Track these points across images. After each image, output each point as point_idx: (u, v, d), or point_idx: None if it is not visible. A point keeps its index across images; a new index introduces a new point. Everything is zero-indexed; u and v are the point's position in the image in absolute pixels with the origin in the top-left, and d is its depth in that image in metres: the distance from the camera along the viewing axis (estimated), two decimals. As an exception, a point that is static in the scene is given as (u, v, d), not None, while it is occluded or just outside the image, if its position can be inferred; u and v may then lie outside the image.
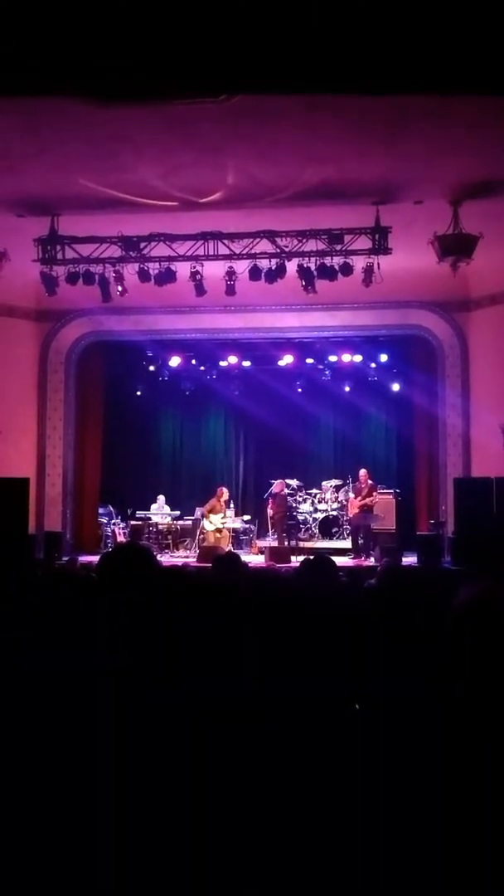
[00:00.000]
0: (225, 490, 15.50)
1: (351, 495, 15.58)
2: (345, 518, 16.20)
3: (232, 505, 16.08)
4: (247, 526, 16.50)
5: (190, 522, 16.35)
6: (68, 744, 2.14)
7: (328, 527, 16.49)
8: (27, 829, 2.03)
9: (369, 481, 14.99)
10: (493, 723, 2.04)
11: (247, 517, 15.95)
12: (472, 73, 5.47)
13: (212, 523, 15.06)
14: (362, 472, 15.22)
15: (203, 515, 15.35)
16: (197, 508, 15.94)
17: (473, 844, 1.94)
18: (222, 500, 15.28)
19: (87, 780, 2.07)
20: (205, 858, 1.98)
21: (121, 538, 15.90)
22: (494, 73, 5.43)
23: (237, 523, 16.26)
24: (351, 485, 16.20)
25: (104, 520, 16.45)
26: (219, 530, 15.10)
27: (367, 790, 2.13)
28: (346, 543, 15.52)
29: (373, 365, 17.09)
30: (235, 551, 13.33)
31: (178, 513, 16.82)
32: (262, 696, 2.31)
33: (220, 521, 15.08)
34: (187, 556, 15.00)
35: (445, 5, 4.82)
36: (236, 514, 15.66)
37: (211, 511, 15.16)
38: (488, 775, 1.98)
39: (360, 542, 14.73)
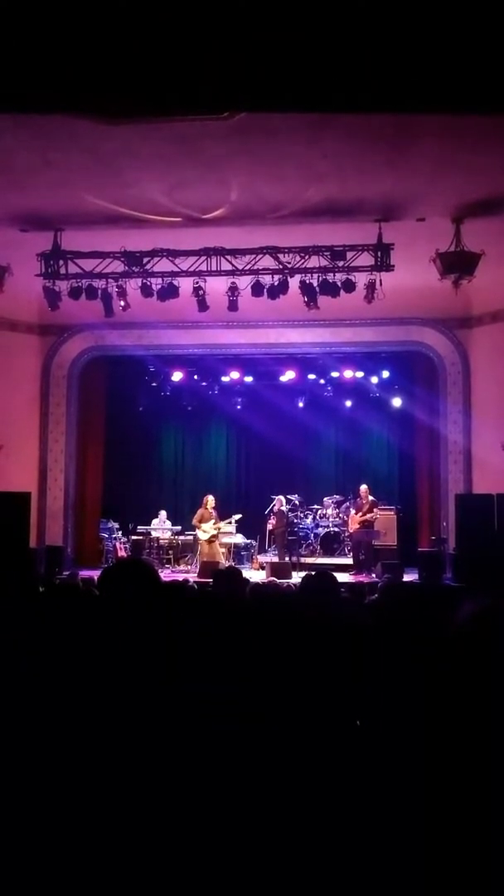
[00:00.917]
0: (210, 498, 15.34)
1: (352, 511, 15.58)
2: (346, 534, 16.20)
3: (233, 519, 16.00)
4: (248, 541, 16.49)
5: (191, 537, 16.34)
6: (68, 750, 2.14)
7: (329, 542, 16.49)
8: (29, 831, 2.04)
9: (370, 497, 15.01)
10: (493, 737, 2.04)
11: (237, 516, 15.79)
12: (477, 91, 5.50)
13: (205, 532, 15.02)
14: (363, 487, 15.24)
15: (195, 527, 15.34)
16: None
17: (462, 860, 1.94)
18: (209, 507, 15.18)
19: (87, 786, 2.07)
20: (201, 856, 1.98)
21: (122, 553, 15.90)
22: (499, 92, 5.47)
23: (238, 538, 16.25)
24: (352, 501, 16.20)
25: (105, 534, 16.45)
26: (212, 539, 15.02)
27: (364, 799, 2.13)
28: (348, 559, 15.51)
29: (374, 381, 17.15)
30: (236, 566, 13.35)
31: (179, 528, 16.82)
32: (261, 704, 2.32)
33: (213, 527, 15.00)
34: (188, 571, 14.98)
35: (449, 24, 4.86)
36: (222, 518, 15.51)
37: (201, 521, 15.11)
38: (487, 785, 1.98)
39: (362, 557, 14.72)
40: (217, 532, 15.08)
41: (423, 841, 1.98)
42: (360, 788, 2.17)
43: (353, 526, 15.08)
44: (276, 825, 2.06)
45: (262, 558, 15.94)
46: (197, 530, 15.22)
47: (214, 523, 15.03)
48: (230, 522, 15.56)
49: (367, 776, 2.21)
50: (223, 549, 15.62)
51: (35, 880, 1.96)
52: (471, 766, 2.04)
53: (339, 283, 11.51)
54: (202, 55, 4.96)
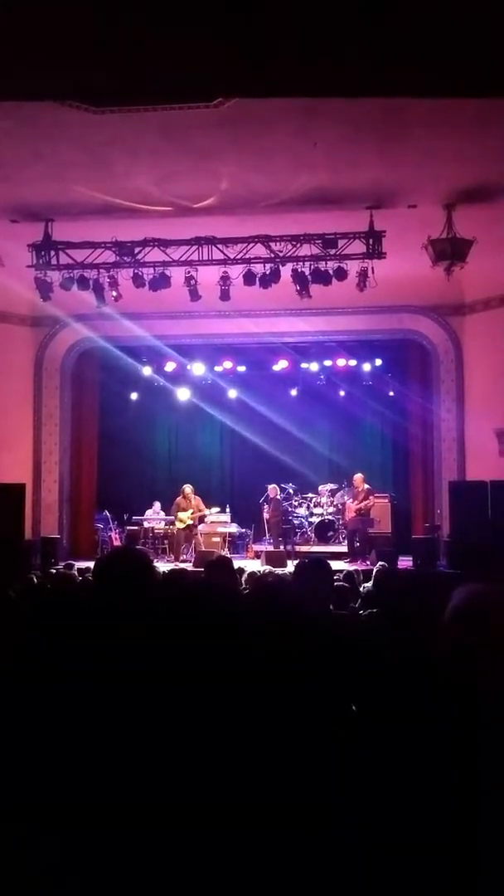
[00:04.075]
0: (186, 487, 15.56)
1: (347, 500, 15.59)
2: (340, 522, 16.22)
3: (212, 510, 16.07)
4: (242, 530, 16.52)
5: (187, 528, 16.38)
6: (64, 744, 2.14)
7: (324, 530, 16.51)
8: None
9: (365, 486, 15.01)
10: (491, 725, 2.05)
11: (216, 509, 15.93)
12: (469, 76, 5.49)
13: (182, 521, 15.15)
14: (357, 476, 15.24)
15: (174, 517, 15.45)
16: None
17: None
18: (186, 495, 15.32)
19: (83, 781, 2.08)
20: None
21: (117, 544, 15.92)
22: (491, 77, 5.46)
23: (233, 527, 16.29)
24: (346, 489, 16.22)
25: (100, 525, 16.46)
26: (188, 527, 15.15)
27: (362, 788, 2.14)
28: (342, 547, 15.54)
29: (368, 369, 17.15)
30: (229, 555, 13.40)
31: (173, 518, 16.84)
32: (259, 695, 2.32)
33: (189, 516, 15.12)
34: (183, 561, 15.00)
35: (441, 7, 4.84)
36: (207, 507, 15.69)
37: (177, 510, 15.26)
38: (488, 778, 1.99)
39: (357, 545, 14.74)
40: (193, 522, 15.17)
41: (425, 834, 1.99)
42: (361, 781, 2.18)
43: (349, 514, 15.09)
44: (271, 824, 2.06)
45: (257, 547, 15.97)
46: (176, 521, 15.36)
47: (192, 513, 15.12)
48: (211, 512, 15.70)
49: (367, 767, 2.21)
50: (217, 539, 15.65)
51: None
52: (470, 754, 2.04)
53: (330, 272, 11.47)
54: (191, 40, 4.93)
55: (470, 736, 2.07)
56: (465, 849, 1.94)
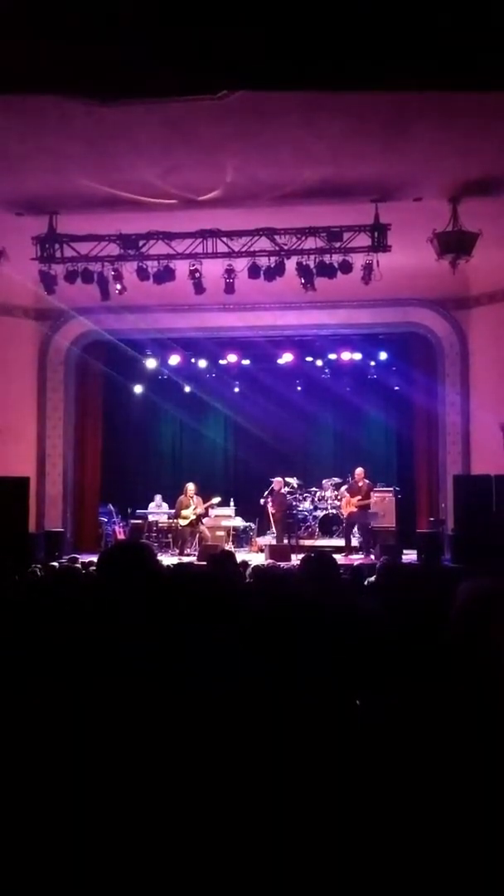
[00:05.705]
0: (189, 486, 15.51)
1: (345, 492, 15.52)
2: (343, 516, 16.19)
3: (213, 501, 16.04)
4: (247, 524, 16.50)
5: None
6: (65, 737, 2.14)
7: (328, 525, 16.48)
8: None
9: (365, 480, 14.91)
10: (493, 718, 2.05)
11: (216, 499, 15.88)
12: (473, 68, 5.47)
13: (185, 518, 15.16)
14: (358, 470, 15.13)
15: (177, 515, 15.45)
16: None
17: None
18: (189, 495, 15.32)
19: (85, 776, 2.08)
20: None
21: (121, 537, 15.92)
22: (495, 69, 5.44)
23: (237, 521, 16.27)
24: (350, 483, 16.18)
25: (104, 519, 16.46)
26: (192, 523, 15.19)
27: (362, 783, 2.13)
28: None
29: (372, 363, 17.13)
30: (233, 549, 13.41)
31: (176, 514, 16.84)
32: (262, 689, 2.32)
33: (192, 512, 15.13)
34: (187, 555, 15.01)
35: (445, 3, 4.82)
36: (205, 501, 15.66)
37: (181, 508, 15.26)
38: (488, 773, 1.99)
39: (359, 539, 14.72)
40: (196, 516, 15.16)
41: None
42: (360, 766, 2.18)
43: (348, 508, 15.01)
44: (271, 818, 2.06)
45: (261, 541, 15.95)
46: (179, 519, 15.36)
47: (194, 508, 15.12)
48: (213, 506, 15.68)
49: (363, 765, 2.21)
50: (222, 532, 15.64)
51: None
52: (475, 749, 2.04)
53: (335, 265, 11.45)
54: (195, 32, 4.92)
55: (475, 731, 2.07)
56: (472, 847, 1.93)
